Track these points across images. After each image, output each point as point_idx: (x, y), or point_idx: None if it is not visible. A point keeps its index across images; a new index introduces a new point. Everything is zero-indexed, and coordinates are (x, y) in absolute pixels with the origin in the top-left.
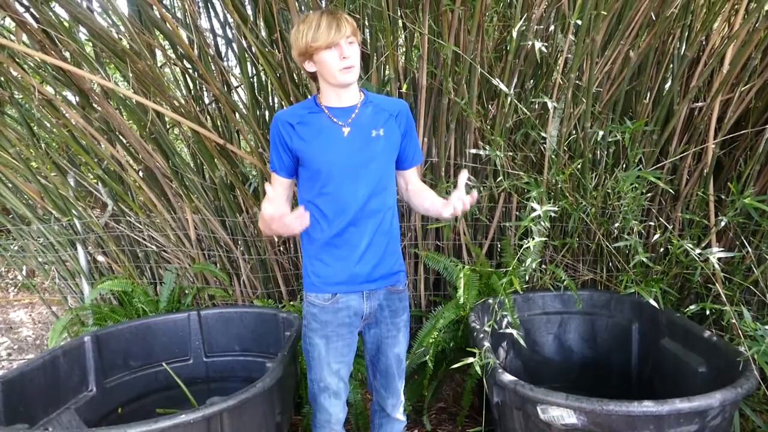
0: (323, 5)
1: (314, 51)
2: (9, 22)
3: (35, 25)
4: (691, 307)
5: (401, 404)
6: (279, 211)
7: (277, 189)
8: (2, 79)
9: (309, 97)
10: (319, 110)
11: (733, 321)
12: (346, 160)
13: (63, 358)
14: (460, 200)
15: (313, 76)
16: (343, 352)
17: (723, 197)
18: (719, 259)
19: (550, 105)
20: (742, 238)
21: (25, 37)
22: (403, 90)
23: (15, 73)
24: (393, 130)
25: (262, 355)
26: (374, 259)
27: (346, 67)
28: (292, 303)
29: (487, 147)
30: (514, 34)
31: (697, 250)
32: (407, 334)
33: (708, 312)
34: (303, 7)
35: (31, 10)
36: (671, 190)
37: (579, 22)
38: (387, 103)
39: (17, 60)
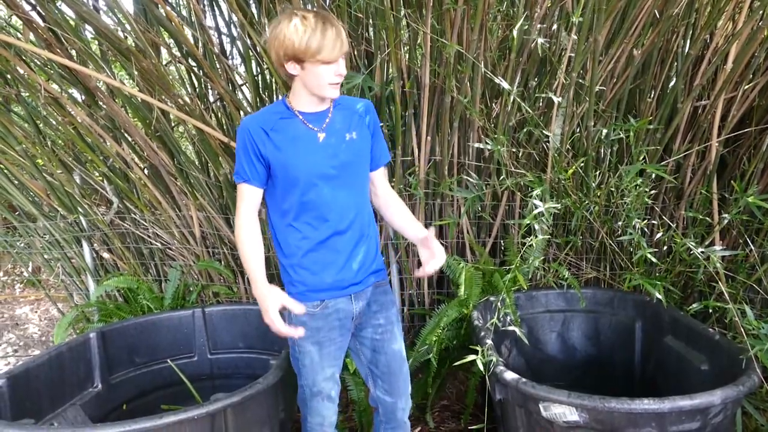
0: (327, 4)
1: (311, 59)
2: (16, 20)
3: (41, 23)
4: (694, 305)
5: (410, 407)
6: (283, 326)
7: (248, 204)
8: (9, 76)
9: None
10: (292, 115)
11: (736, 319)
12: (324, 167)
13: (68, 355)
14: (431, 264)
15: (290, 77)
16: (336, 355)
17: (726, 195)
18: (722, 257)
19: (555, 100)
20: (746, 236)
21: (31, 36)
22: (407, 88)
23: (22, 71)
24: (364, 132)
25: (266, 352)
26: (358, 262)
27: (336, 83)
28: None
29: (490, 142)
30: (515, 32)
31: (700, 249)
32: (401, 330)
33: (711, 310)
34: (309, 5)
35: (38, 8)
36: (675, 181)
37: (581, 19)
38: (355, 104)
39: (24, 58)
